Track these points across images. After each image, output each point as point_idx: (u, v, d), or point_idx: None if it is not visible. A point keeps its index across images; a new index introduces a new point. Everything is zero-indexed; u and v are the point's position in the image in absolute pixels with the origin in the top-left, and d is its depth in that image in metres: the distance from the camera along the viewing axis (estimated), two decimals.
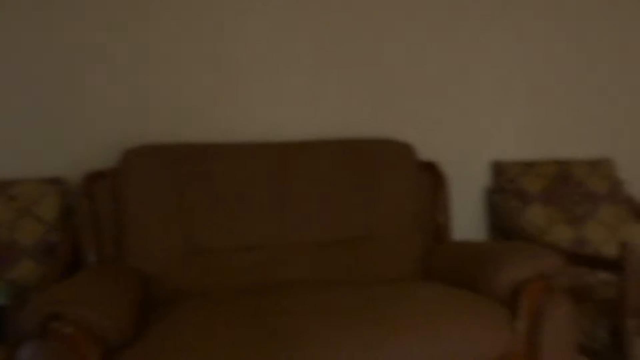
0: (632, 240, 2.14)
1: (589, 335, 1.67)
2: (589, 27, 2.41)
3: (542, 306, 1.29)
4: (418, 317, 1.27)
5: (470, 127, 2.27)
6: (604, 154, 2.40)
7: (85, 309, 1.10)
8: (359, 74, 2.14)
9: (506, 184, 2.18)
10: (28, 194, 1.73)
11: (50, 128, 1.86)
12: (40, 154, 1.85)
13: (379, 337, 1.22)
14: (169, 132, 1.96)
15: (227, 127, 2.02)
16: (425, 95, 2.21)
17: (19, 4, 1.83)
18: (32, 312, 1.08)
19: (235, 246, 1.74)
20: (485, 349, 1.25)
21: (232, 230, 1.75)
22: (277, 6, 2.05)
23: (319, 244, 1.82)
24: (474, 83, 2.27)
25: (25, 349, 1.07)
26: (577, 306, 1.74)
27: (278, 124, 2.07)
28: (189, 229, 1.69)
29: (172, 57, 1.96)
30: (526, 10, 2.32)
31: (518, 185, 2.17)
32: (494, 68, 2.29)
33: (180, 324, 1.24)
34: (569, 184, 2.20)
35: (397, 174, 1.91)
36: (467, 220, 2.24)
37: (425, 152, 2.21)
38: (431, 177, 2.01)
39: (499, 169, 2.21)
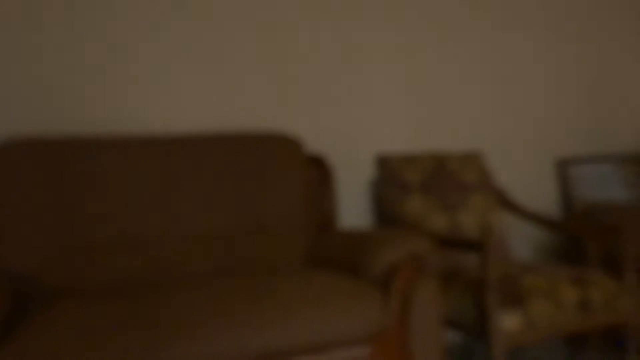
0: (497, 224, 2.38)
1: (459, 311, 1.83)
2: (465, 27, 2.62)
3: (411, 285, 1.41)
4: (303, 301, 1.33)
5: (357, 122, 2.38)
6: (475, 147, 2.62)
7: None
8: (250, 68, 2.17)
9: (389, 176, 2.32)
10: None
11: None
12: None
13: (265, 321, 1.26)
14: (50, 122, 1.87)
15: (114, 117, 1.96)
16: (314, 90, 2.29)
17: None
18: None
19: (120, 243, 1.70)
20: (362, 327, 1.34)
21: (115, 226, 1.70)
22: None
23: (209, 237, 1.83)
24: (362, 80, 2.39)
25: None
26: (449, 285, 1.90)
27: (167, 117, 2.04)
28: (67, 226, 1.63)
29: (52, 43, 1.86)
30: (409, 9, 2.48)
31: (400, 177, 2.31)
32: (378, 66, 2.42)
33: (54, 324, 1.20)
34: (444, 175, 2.39)
35: (286, 167, 1.97)
36: (354, 210, 2.36)
37: (314, 145, 2.29)
38: (319, 170, 2.09)
39: (383, 162, 2.35)
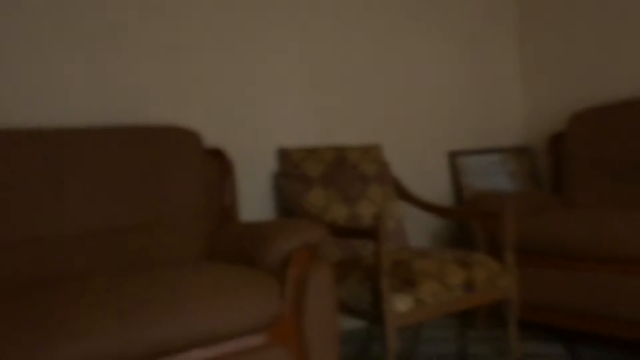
0: (395, 214, 2.50)
1: (358, 297, 1.91)
2: (365, 27, 2.73)
3: (306, 273, 1.46)
4: (198, 293, 1.33)
5: (259, 116, 2.40)
6: (374, 140, 2.73)
7: None
8: (147, 59, 2.11)
9: (291, 169, 2.36)
10: None
11: None
12: None
13: (159, 315, 1.25)
14: None
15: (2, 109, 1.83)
16: (215, 84, 2.28)
17: None
18: None
19: (5, 241, 1.60)
20: (257, 316, 1.36)
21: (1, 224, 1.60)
22: None
23: (102, 233, 1.77)
24: (264, 74, 2.41)
25: None
26: (349, 274, 1.98)
27: (60, 109, 1.94)
28: None
29: None
30: (312, 7, 2.53)
31: (301, 170, 2.37)
32: (279, 60, 2.46)
33: None
34: (345, 167, 2.47)
35: (184, 160, 1.95)
36: (258, 204, 2.38)
37: (215, 139, 2.28)
38: (219, 163, 2.09)
39: (285, 156, 2.39)
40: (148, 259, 1.78)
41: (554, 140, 2.88)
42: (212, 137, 2.27)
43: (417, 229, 2.85)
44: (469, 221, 2.48)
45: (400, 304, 1.79)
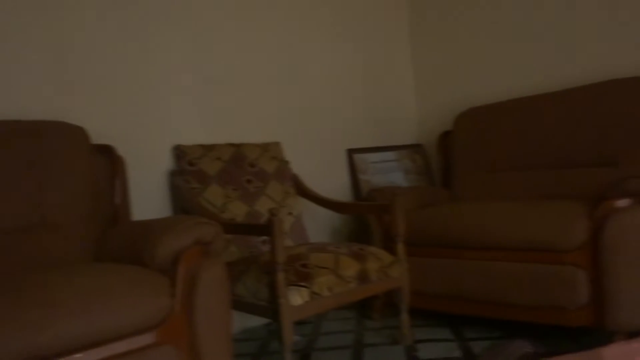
0: (295, 211, 2.53)
1: (255, 294, 1.92)
2: (264, 26, 2.73)
3: (197, 270, 1.44)
4: (81, 295, 1.27)
5: (153, 112, 2.33)
6: (274, 137, 2.75)
7: None
8: (36, 53, 1.97)
9: (187, 167, 2.31)
10: None
11: None
12: None
13: (40, 319, 1.18)
14: None
15: None
16: (107, 80, 2.18)
17: None
18: None
19: None
20: (145, 316, 1.33)
21: None
22: None
23: None
24: (156, 70, 2.33)
25: None
26: (247, 271, 1.98)
27: None
28: None
29: None
30: (206, 5, 2.49)
31: (198, 167, 2.32)
32: (173, 56, 2.40)
33: None
34: (243, 164, 2.47)
35: (69, 157, 1.84)
36: (152, 203, 2.30)
37: (108, 136, 2.17)
38: (109, 160, 2.00)
39: (180, 153, 2.33)
40: (32, 262, 1.66)
41: (442, 138, 3.07)
42: (103, 135, 2.16)
43: (318, 225, 2.90)
44: (365, 216, 2.57)
45: (296, 298, 1.82)
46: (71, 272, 1.42)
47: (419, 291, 2.31)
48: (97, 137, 2.10)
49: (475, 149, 2.83)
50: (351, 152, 3.12)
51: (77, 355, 1.24)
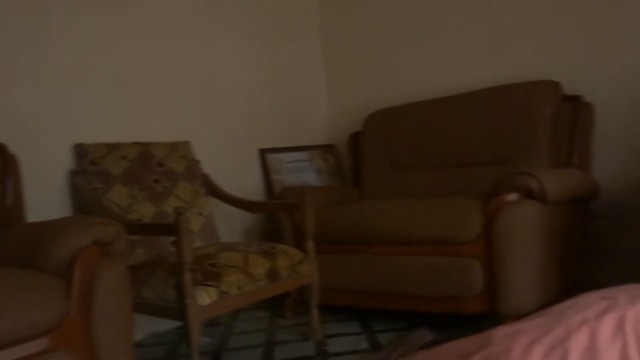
0: (206, 211, 2.50)
1: (162, 296, 1.87)
2: (167, 25, 2.67)
3: (96, 272, 1.38)
4: None
5: (53, 109, 2.21)
6: (184, 137, 2.69)
7: None
8: None
9: (89, 166, 2.21)
10: None
11: None
12: None
13: None
14: None
15: None
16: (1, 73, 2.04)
17: None
18: None
19: None
20: (38, 321, 1.26)
21: None
22: None
23: None
24: (59, 64, 2.22)
25: None
26: (154, 273, 1.92)
27: None
28: None
29: None
30: (113, 5, 2.41)
31: (101, 167, 2.23)
32: (77, 50, 2.29)
33: None
34: (151, 164, 2.40)
35: None
36: (51, 205, 2.17)
37: (1, 134, 2.03)
38: (0, 159, 1.87)
39: (82, 151, 2.23)
40: None
41: (353, 139, 3.16)
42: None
43: (230, 226, 2.87)
44: (277, 214, 2.59)
45: (204, 297, 1.80)
46: None
47: (330, 287, 2.35)
48: None
49: (383, 149, 2.94)
50: (264, 152, 3.13)
51: None
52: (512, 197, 2.00)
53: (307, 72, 3.50)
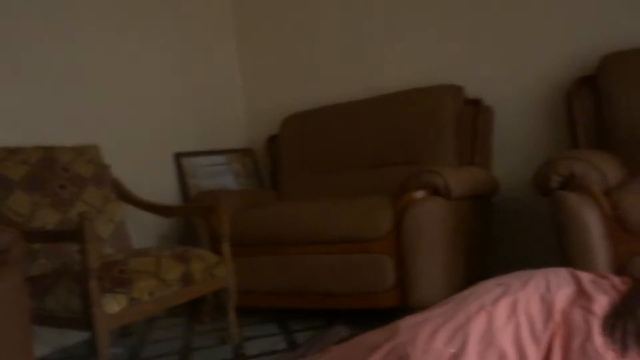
0: (116, 217, 2.41)
1: (67, 306, 1.78)
2: (90, 30, 2.57)
3: None
4: None
5: None
6: (91, 141, 2.57)
7: None
8: None
9: None
10: None
11: None
12: None
13: None
14: None
15: None
16: None
17: None
18: None
19: None
20: None
21: None
22: None
23: None
24: None
25: None
26: (57, 283, 1.83)
27: None
28: None
29: None
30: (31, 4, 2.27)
31: None
32: None
33: None
34: (55, 169, 2.28)
35: None
36: None
37: None
38: None
39: None
40: None
41: (269, 142, 3.17)
42: None
43: (144, 232, 2.78)
44: (192, 219, 2.55)
45: (112, 305, 1.73)
46: None
47: (247, 290, 2.35)
48: None
49: (299, 152, 2.98)
50: (179, 156, 3.07)
51: None
52: (419, 194, 2.09)
53: (223, 75, 3.47)
